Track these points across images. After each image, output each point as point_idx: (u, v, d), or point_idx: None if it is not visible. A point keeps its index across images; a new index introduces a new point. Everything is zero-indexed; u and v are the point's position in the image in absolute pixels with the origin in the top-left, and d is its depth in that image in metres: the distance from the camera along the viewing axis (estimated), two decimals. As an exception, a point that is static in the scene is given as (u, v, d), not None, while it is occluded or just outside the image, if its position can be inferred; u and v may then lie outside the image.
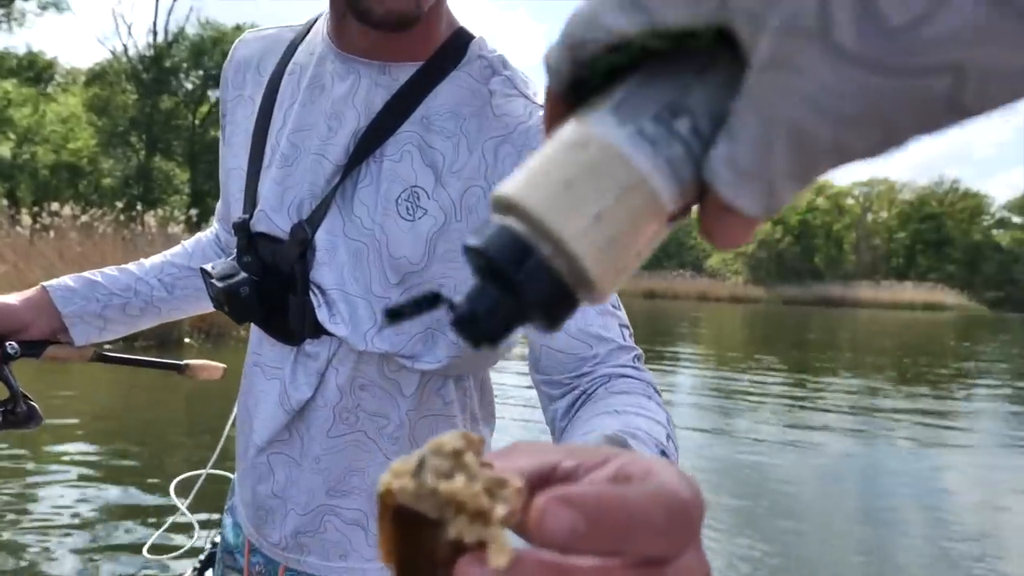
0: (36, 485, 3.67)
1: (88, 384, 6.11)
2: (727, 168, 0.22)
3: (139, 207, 12.11)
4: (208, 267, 0.74)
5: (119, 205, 11.49)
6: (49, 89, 28.46)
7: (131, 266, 0.93)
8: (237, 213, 0.77)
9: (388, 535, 0.23)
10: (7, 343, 0.80)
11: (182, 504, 1.58)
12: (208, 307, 0.90)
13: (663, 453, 0.48)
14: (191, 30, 24.63)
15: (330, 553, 0.77)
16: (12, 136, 21.20)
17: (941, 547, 3.59)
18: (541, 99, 0.69)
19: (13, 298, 0.83)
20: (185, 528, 1.67)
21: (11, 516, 3.26)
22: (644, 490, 0.22)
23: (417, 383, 0.74)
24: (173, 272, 0.94)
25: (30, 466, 3.90)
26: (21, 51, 28.68)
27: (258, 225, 0.74)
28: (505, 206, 0.23)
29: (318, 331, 0.72)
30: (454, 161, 0.68)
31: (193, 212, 12.84)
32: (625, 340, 0.66)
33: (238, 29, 24.32)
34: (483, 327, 0.24)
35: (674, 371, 9.70)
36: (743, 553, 3.28)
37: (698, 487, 0.24)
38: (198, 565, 1.62)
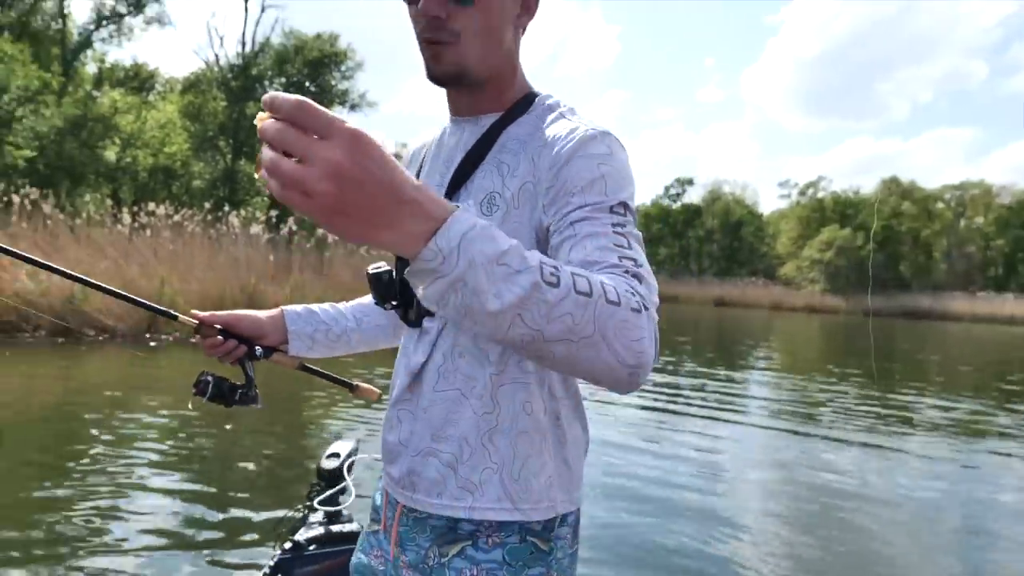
0: (207, 458, 4.02)
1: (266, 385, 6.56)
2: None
3: (225, 208, 12.85)
4: (370, 268, 0.99)
5: (207, 206, 12.19)
6: (150, 97, 30.37)
7: (341, 305, 1.23)
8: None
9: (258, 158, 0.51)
10: (255, 346, 1.12)
11: (349, 478, 1.91)
12: (385, 344, 1.23)
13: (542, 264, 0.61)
14: (276, 40, 25.68)
15: (430, 490, 0.95)
16: (117, 141, 22.75)
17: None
18: (585, 121, 0.89)
19: (263, 314, 1.14)
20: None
21: (202, 468, 3.60)
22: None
23: (500, 353, 0.91)
24: (364, 310, 1.22)
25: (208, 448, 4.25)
26: (128, 63, 30.87)
27: None
28: None
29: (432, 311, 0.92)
30: (515, 168, 0.90)
31: (273, 213, 13.49)
32: (618, 261, 0.75)
33: (318, 37, 25.27)
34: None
35: (745, 379, 9.50)
36: (810, 558, 3.25)
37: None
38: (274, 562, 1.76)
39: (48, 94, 20.26)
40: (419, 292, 0.60)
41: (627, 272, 0.73)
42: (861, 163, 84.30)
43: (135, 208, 11.82)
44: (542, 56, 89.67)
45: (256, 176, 0.51)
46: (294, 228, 12.64)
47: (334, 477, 1.94)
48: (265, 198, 24.35)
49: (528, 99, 0.96)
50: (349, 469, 1.95)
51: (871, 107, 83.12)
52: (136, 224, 11.01)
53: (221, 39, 29.83)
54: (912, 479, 4.90)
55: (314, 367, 1.24)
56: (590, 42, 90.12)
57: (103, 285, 1.22)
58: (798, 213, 49.90)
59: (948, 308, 37.27)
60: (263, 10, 25.67)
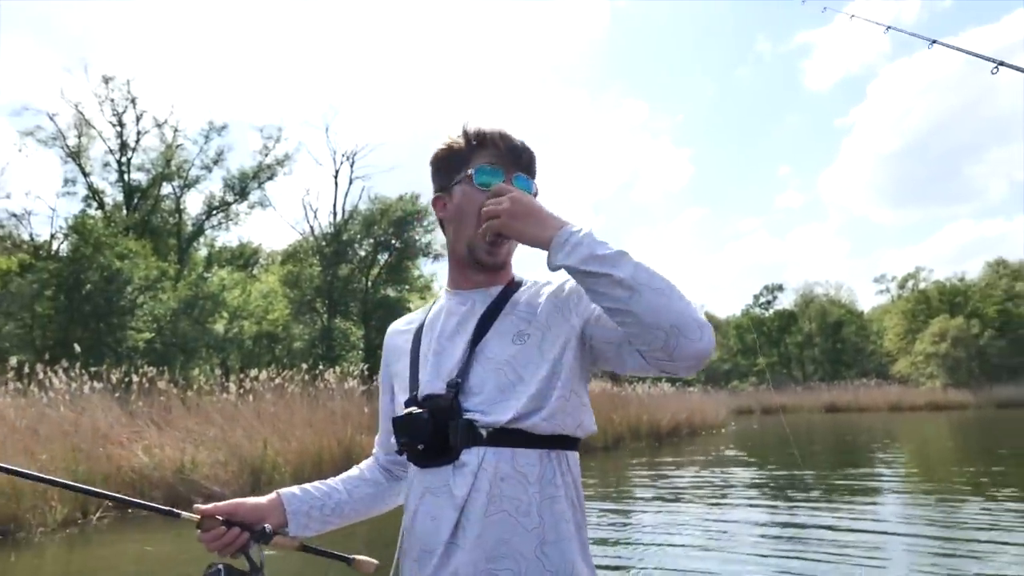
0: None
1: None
2: None
3: (321, 366, 13.46)
4: (399, 413, 1.15)
5: (304, 366, 12.81)
6: (254, 271, 33.23)
7: (332, 480, 1.33)
8: (399, 411, 1.17)
9: None
10: (255, 529, 1.17)
11: None
12: (375, 510, 1.34)
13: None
14: (363, 206, 27.90)
15: None
16: (225, 315, 24.77)
17: None
18: (538, 278, 1.25)
19: (263, 499, 1.24)
20: None
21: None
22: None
23: (538, 474, 1.08)
24: (354, 481, 1.34)
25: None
26: (234, 243, 34.25)
27: (422, 392, 1.16)
28: None
29: (471, 439, 1.08)
30: (535, 308, 1.19)
31: (365, 367, 14.01)
32: None
33: (400, 199, 27.32)
34: None
35: (875, 493, 8.62)
36: None
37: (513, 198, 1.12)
38: None
39: (166, 280, 22.56)
40: (555, 259, 1.05)
41: None
42: (965, 248, 79.56)
43: (241, 375, 12.53)
44: (616, 185, 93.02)
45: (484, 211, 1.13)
46: (385, 378, 12.98)
47: None
48: (359, 351, 25.44)
49: (517, 279, 1.27)
50: None
51: (966, 191, 79.82)
52: (241, 390, 11.62)
53: (315, 212, 32.43)
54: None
55: (314, 547, 1.26)
56: (663, 167, 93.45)
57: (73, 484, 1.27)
58: (901, 307, 47.02)
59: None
60: (351, 182, 28.22)
